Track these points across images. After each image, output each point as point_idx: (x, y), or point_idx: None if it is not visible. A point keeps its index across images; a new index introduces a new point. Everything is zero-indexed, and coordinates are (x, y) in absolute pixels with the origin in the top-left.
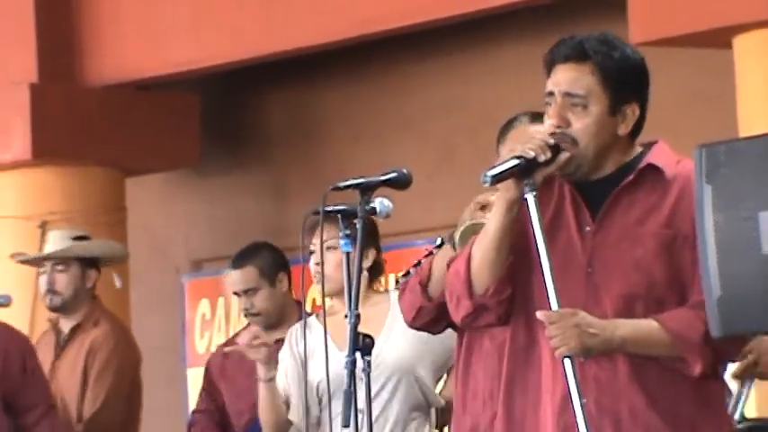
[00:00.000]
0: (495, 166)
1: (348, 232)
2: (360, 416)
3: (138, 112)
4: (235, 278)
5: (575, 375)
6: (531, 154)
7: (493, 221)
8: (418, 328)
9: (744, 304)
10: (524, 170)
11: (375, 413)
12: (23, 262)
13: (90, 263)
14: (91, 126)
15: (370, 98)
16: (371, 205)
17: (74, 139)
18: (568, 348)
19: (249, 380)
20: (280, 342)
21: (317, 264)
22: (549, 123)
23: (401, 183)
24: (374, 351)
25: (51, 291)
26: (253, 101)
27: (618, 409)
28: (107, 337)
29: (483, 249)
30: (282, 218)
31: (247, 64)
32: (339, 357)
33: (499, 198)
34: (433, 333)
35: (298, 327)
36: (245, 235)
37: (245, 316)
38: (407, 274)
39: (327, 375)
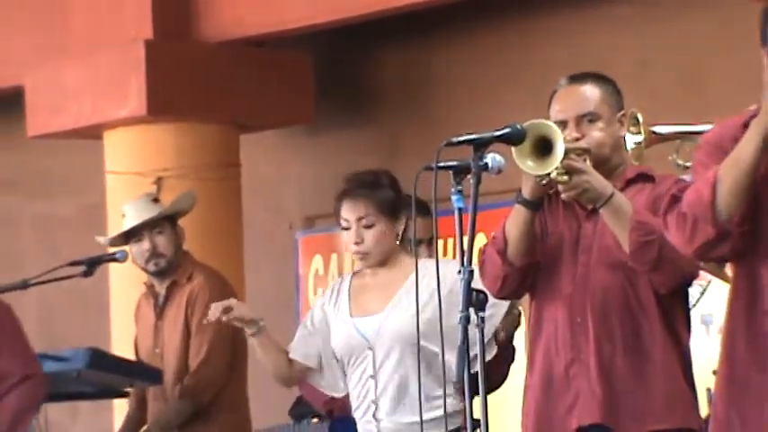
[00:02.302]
0: None
1: (461, 188)
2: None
3: (252, 69)
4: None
5: None
6: None
7: (750, 146)
8: (504, 298)
9: None
10: None
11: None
12: (116, 241)
13: (174, 219)
14: (205, 83)
15: (484, 55)
16: (484, 161)
17: (188, 95)
18: None
19: None
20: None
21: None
22: None
23: (515, 138)
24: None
25: (156, 254)
26: (366, 58)
27: None
28: (203, 287)
29: (736, 174)
30: (396, 174)
31: (360, 21)
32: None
33: (759, 123)
34: (518, 298)
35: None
36: None
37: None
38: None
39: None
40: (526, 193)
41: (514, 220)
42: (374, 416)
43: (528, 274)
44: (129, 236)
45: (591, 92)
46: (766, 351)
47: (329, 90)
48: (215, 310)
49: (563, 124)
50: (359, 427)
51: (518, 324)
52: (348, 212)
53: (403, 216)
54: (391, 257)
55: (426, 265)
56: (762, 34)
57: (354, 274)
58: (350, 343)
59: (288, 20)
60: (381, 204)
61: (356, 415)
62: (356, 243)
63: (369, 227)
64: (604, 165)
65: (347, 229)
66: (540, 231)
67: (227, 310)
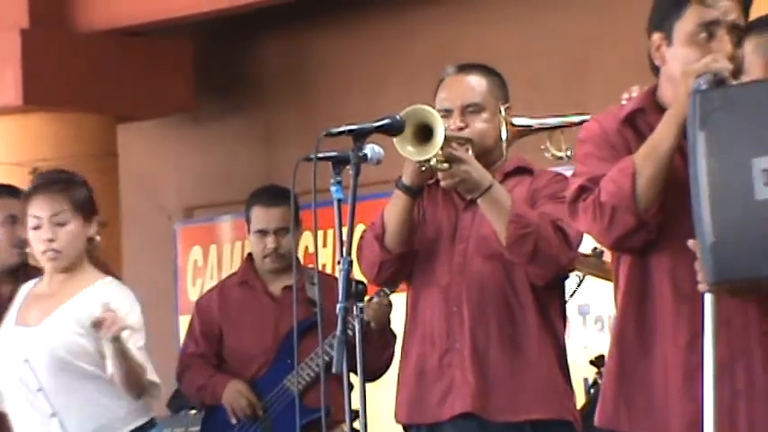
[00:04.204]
0: (701, 77)
1: (340, 179)
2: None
3: (130, 58)
4: (273, 215)
5: (714, 313)
6: (726, 74)
7: (667, 136)
8: (382, 284)
9: (737, 251)
10: (716, 86)
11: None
12: None
13: None
14: (82, 72)
15: (363, 44)
16: (363, 152)
17: (65, 85)
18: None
19: (259, 322)
20: (287, 289)
21: (52, 238)
22: (721, 55)
23: (394, 129)
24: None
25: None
26: (246, 47)
27: (751, 353)
28: None
29: (655, 164)
30: (275, 164)
31: (240, 10)
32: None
33: (675, 113)
34: (395, 287)
35: None
36: (238, 182)
37: (267, 256)
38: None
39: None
40: (406, 179)
41: (394, 207)
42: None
43: (406, 262)
44: None
45: (477, 82)
46: (654, 338)
47: (209, 79)
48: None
49: (448, 113)
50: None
51: (389, 312)
52: (40, 209)
53: (95, 220)
54: (76, 265)
55: (107, 290)
56: (659, 20)
57: (40, 279)
58: (7, 352)
59: (166, 9)
60: (77, 202)
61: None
62: (49, 240)
63: (62, 224)
64: (486, 156)
65: (37, 228)
66: (419, 220)
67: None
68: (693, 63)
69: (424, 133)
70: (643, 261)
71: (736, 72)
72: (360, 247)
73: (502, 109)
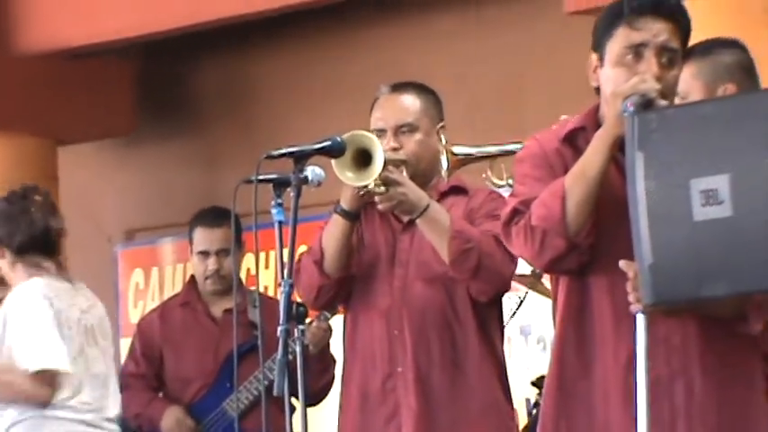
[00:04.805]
0: (629, 98)
1: (281, 201)
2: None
3: (70, 80)
4: (215, 236)
5: (646, 333)
6: (654, 94)
7: (596, 158)
8: (320, 308)
9: (675, 272)
10: (643, 108)
11: None
12: None
13: None
14: (22, 95)
15: (305, 66)
16: (304, 174)
17: (4, 107)
18: (644, 305)
19: (200, 344)
20: (228, 311)
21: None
22: (649, 75)
23: (335, 151)
24: None
25: None
26: (187, 69)
27: (690, 372)
28: None
29: (584, 187)
30: (216, 187)
31: (180, 32)
32: None
33: (604, 135)
34: (333, 311)
35: None
36: (179, 204)
37: (208, 278)
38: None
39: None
40: (345, 203)
41: (332, 231)
42: None
43: (344, 286)
44: None
45: (411, 102)
46: (594, 357)
47: (149, 101)
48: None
49: (382, 132)
50: None
51: (329, 336)
52: None
53: None
54: None
55: None
56: (596, 41)
57: None
58: None
59: (106, 31)
60: None
61: None
62: None
63: None
64: (421, 176)
65: None
66: (357, 243)
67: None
68: (622, 84)
69: (363, 158)
70: (582, 280)
71: (666, 93)
72: (297, 271)
73: (442, 138)
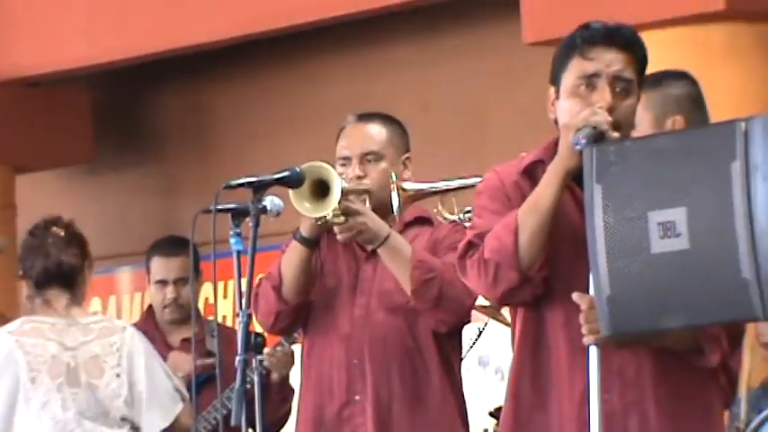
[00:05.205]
0: (580, 131)
1: (239, 230)
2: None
3: (28, 108)
4: (173, 265)
5: (599, 364)
6: (605, 126)
7: (548, 191)
8: (277, 334)
9: (633, 303)
10: (595, 140)
11: None
12: None
13: None
14: None
15: (264, 96)
16: (262, 204)
17: None
18: (597, 337)
19: None
20: (186, 341)
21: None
22: (599, 105)
23: (294, 181)
24: None
25: None
26: (145, 98)
27: (645, 404)
28: None
29: (536, 220)
30: (174, 216)
31: (139, 61)
32: None
33: (557, 167)
34: (291, 338)
35: None
36: (137, 233)
37: (166, 307)
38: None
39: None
40: (304, 230)
41: (291, 258)
42: None
43: (301, 312)
44: None
45: (377, 131)
46: (549, 390)
47: (108, 130)
48: None
49: (347, 161)
50: None
51: (291, 363)
52: None
53: None
54: None
55: None
56: (553, 74)
57: None
58: None
59: (65, 60)
60: None
61: None
62: None
63: None
64: (384, 206)
65: None
66: (318, 269)
67: None
68: (575, 115)
69: (321, 189)
70: (538, 313)
71: (620, 123)
72: (256, 296)
73: (394, 176)
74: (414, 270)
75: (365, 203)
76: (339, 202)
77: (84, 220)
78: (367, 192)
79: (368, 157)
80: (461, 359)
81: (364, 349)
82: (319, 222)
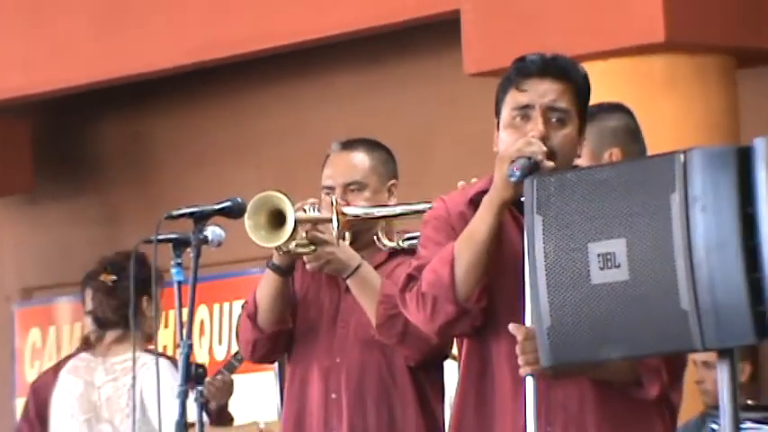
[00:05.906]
0: (515, 162)
1: (180, 261)
2: None
3: None
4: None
5: (536, 396)
6: (539, 157)
7: (484, 222)
8: (258, 362)
9: (573, 334)
10: (529, 170)
11: None
12: None
13: None
14: None
15: (205, 125)
16: (203, 234)
17: None
18: (533, 368)
19: None
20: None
21: None
22: (532, 134)
23: (235, 212)
24: None
25: None
26: (86, 128)
27: None
28: None
29: (472, 252)
30: (116, 246)
31: (78, 90)
32: None
33: (492, 199)
34: (230, 366)
35: None
36: (77, 263)
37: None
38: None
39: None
40: (276, 258)
41: (265, 286)
42: None
43: (279, 340)
44: None
45: (360, 160)
46: (493, 421)
47: (48, 160)
48: None
49: (331, 190)
50: None
51: (231, 392)
52: None
53: None
54: None
55: None
56: (496, 106)
57: None
58: None
59: (3, 89)
60: None
61: None
62: None
63: None
64: (366, 234)
65: None
66: (300, 298)
67: None
68: (510, 146)
69: (278, 219)
70: (482, 344)
71: (556, 153)
72: (237, 326)
73: (333, 200)
74: (379, 305)
75: (345, 234)
76: (307, 232)
77: (23, 250)
78: (324, 221)
79: (351, 187)
80: (442, 390)
81: (341, 383)
82: (281, 252)
